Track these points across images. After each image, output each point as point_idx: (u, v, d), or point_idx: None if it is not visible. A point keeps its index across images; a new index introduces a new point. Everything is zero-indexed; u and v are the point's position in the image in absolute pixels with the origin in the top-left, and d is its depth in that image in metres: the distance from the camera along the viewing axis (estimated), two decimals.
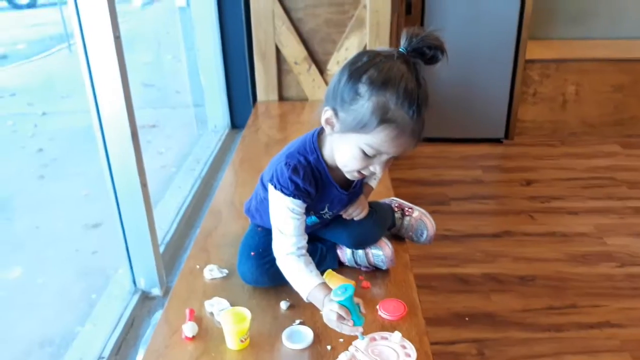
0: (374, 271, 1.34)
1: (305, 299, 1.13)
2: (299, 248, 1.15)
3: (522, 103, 3.51)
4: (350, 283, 1.21)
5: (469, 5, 3.22)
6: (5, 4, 2.51)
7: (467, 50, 3.32)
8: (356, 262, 1.33)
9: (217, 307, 1.20)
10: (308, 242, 1.26)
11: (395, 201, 1.50)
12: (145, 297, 1.46)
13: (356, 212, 1.31)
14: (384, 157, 1.07)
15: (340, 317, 1.04)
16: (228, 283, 1.30)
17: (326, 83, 2.70)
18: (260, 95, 2.67)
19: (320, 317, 1.17)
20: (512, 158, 3.38)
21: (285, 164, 1.14)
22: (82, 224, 2.21)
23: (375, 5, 2.56)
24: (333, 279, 1.25)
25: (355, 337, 1.07)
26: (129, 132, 1.30)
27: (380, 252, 1.31)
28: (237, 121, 2.69)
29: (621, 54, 3.46)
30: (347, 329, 1.05)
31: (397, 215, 1.46)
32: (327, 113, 1.08)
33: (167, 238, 1.68)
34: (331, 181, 1.19)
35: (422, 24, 3.29)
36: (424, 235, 1.44)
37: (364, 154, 1.06)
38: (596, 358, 1.83)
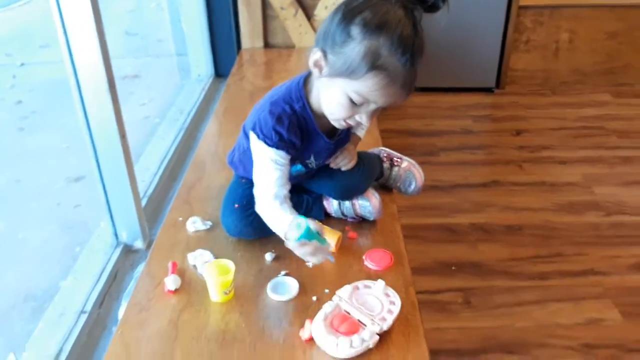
0: (361, 222, 1.32)
1: (284, 238, 1.11)
2: (278, 196, 1.11)
3: (514, 51, 3.44)
4: (334, 234, 1.19)
5: None
6: None
7: None
8: (343, 213, 1.31)
9: (201, 260, 1.18)
10: (294, 193, 1.24)
11: (383, 151, 1.47)
12: (128, 250, 1.44)
13: (344, 162, 1.27)
14: (372, 107, 1.03)
15: (304, 249, 1.04)
16: (212, 235, 1.27)
17: (314, 29, 2.62)
18: (244, 43, 2.59)
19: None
20: (502, 107, 3.34)
21: (269, 112, 1.10)
22: (64, 177, 2.17)
23: None
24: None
25: (339, 287, 1.05)
26: (105, 82, 1.25)
27: (367, 203, 1.29)
28: (221, 69, 2.61)
29: (617, 0, 3.37)
30: (314, 258, 1.05)
31: (386, 165, 1.43)
32: (316, 54, 1.03)
33: (150, 190, 1.65)
34: (317, 130, 1.15)
35: None
36: (412, 186, 1.42)
37: (351, 101, 1.01)
38: (579, 304, 1.86)
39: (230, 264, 1.10)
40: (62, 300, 1.30)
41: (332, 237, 1.20)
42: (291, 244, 1.05)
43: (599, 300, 1.87)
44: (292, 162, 1.16)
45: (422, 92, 3.44)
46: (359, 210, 1.29)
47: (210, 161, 1.52)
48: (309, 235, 1.03)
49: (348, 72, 0.98)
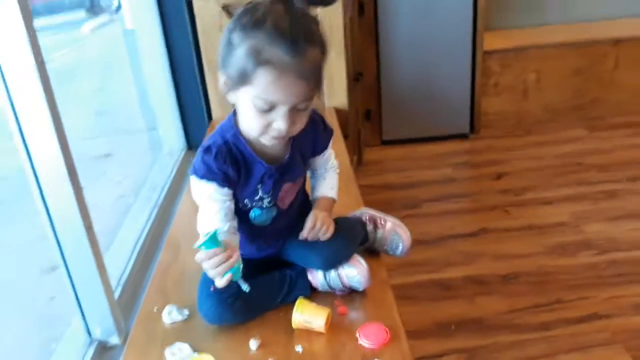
0: (350, 293, 1.22)
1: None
2: (219, 231, 1.07)
3: (484, 95, 3.47)
4: (323, 312, 1.10)
5: (422, 1, 3.16)
6: None
7: (424, 48, 3.26)
8: (330, 286, 1.21)
9: (179, 356, 1.07)
10: (275, 269, 1.18)
11: (365, 213, 1.39)
12: (103, 347, 1.32)
13: (322, 232, 1.19)
14: (282, 109, 0.99)
15: (209, 260, 1.00)
16: (190, 325, 1.17)
17: None
18: (215, 112, 2.54)
19: (296, 353, 1.06)
20: (480, 152, 3.32)
21: (201, 146, 1.09)
22: (37, 268, 2.05)
23: (326, 10, 2.47)
24: (306, 307, 1.13)
25: None
26: (64, 170, 1.17)
27: (355, 272, 1.19)
28: (192, 141, 2.55)
29: (577, 37, 3.45)
30: (214, 274, 1.01)
31: (369, 228, 1.35)
32: (221, 78, 1.03)
33: (125, 277, 1.54)
34: (253, 156, 1.10)
35: (376, 24, 3.22)
36: (399, 248, 1.34)
37: (258, 109, 0.99)
38: (589, 354, 1.76)
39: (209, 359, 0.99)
40: None
41: (320, 316, 1.10)
42: (204, 264, 1.02)
43: (608, 346, 1.78)
44: (242, 202, 1.13)
45: (398, 144, 3.43)
46: (347, 281, 1.20)
47: (185, 241, 1.43)
48: (212, 243, 0.99)
49: (241, 79, 0.97)
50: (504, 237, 2.43)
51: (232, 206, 1.11)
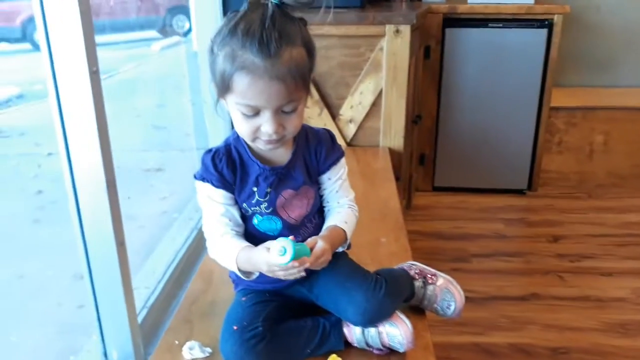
0: (389, 354, 1.11)
1: (237, 272, 1.06)
2: (225, 233, 1.08)
3: (546, 152, 3.31)
4: (287, 242, 0.97)
5: (491, 51, 3.07)
6: (29, 45, 2.61)
7: (488, 97, 3.16)
8: (367, 344, 1.11)
9: None
10: (307, 316, 1.12)
11: (414, 266, 1.29)
12: None
13: (318, 263, 1.02)
14: (266, 114, 0.98)
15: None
16: None
17: (339, 128, 2.53)
18: None
19: None
20: (536, 211, 3.15)
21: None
22: (71, 273, 2.03)
23: (392, 47, 2.41)
24: None
25: None
26: (104, 181, 1.12)
27: (397, 332, 1.08)
28: None
29: None
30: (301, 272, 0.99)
31: (418, 283, 1.24)
32: (213, 88, 1.03)
33: (152, 299, 1.48)
34: (250, 157, 1.09)
35: (441, 68, 3.14)
36: (452, 308, 1.22)
37: (243, 114, 0.99)
38: None
39: None
40: None
41: None
42: (280, 273, 0.99)
43: None
44: (241, 205, 1.10)
45: (451, 192, 3.30)
46: (387, 341, 1.09)
47: (220, 270, 1.36)
48: (299, 252, 0.95)
49: (224, 86, 0.98)
50: (556, 305, 2.25)
51: (235, 212, 1.10)
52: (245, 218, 1.12)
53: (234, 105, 0.99)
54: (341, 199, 1.18)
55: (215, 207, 1.09)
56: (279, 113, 0.99)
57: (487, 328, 2.09)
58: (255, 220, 1.12)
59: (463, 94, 3.15)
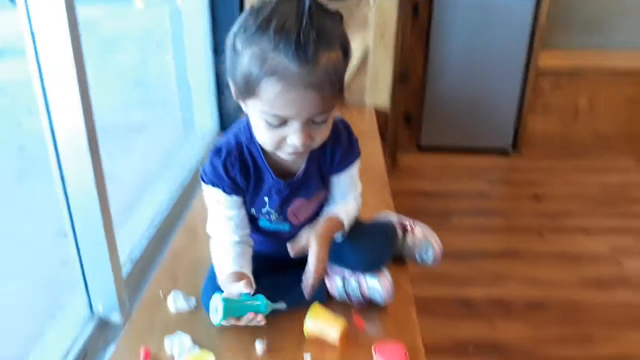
0: (369, 306, 1.14)
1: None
2: (230, 241, 1.05)
3: (531, 113, 3.33)
4: (338, 322, 1.02)
5: (480, 10, 3.04)
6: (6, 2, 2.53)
7: (476, 57, 3.14)
8: (347, 295, 1.13)
9: (179, 347, 1.00)
10: (291, 270, 1.09)
11: (391, 217, 1.31)
12: (103, 324, 1.27)
13: (317, 274, 1.03)
14: (295, 125, 0.88)
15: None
16: (195, 317, 1.10)
17: None
18: None
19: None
20: (519, 171, 3.19)
21: (214, 146, 1.01)
22: (53, 229, 2.03)
23: (380, 4, 2.37)
24: (320, 315, 1.05)
25: None
26: (85, 138, 1.11)
27: (378, 284, 1.11)
28: (226, 125, 2.50)
29: (637, 65, 3.27)
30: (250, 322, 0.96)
31: (398, 233, 1.26)
32: (231, 86, 0.92)
33: (136, 255, 1.49)
34: (265, 165, 1.01)
35: (429, 27, 3.11)
36: (430, 255, 1.24)
37: (268, 123, 0.88)
38: None
39: (210, 358, 0.92)
40: None
41: (335, 326, 1.02)
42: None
43: None
44: (249, 210, 1.07)
45: (435, 152, 3.32)
46: (367, 293, 1.11)
47: (203, 227, 1.38)
48: (232, 312, 0.92)
49: (247, 90, 0.86)
50: (535, 261, 2.31)
51: (244, 214, 1.06)
52: (253, 217, 1.10)
53: (257, 112, 0.89)
54: (348, 194, 1.13)
55: (223, 211, 1.03)
56: (309, 124, 0.88)
57: (466, 283, 2.15)
58: (261, 223, 1.11)
59: (450, 54, 3.14)
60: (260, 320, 0.95)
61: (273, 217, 1.08)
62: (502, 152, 3.35)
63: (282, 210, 1.07)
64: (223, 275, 1.01)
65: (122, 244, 1.38)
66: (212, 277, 1.07)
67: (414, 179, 3.04)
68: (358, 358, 1.00)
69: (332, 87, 0.85)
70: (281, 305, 0.98)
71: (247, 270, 1.03)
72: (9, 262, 1.78)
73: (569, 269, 2.25)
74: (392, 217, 1.31)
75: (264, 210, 1.06)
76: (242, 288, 0.95)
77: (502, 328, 1.92)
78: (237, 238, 1.05)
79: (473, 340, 1.86)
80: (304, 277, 1.04)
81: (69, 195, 1.17)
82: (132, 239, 1.56)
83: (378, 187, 1.69)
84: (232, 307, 0.90)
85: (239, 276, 0.99)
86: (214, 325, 1.05)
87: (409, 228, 1.27)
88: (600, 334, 1.89)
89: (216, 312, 0.90)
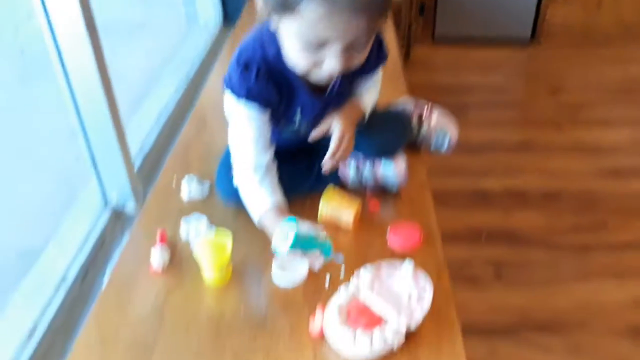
0: (384, 192, 1.12)
1: (257, 225, 0.95)
2: (258, 166, 0.95)
3: (552, 2, 3.14)
4: (352, 205, 1.00)
5: None
6: None
7: None
8: (360, 182, 1.11)
9: (195, 227, 1.00)
10: (302, 154, 1.07)
11: (409, 103, 1.26)
12: (118, 214, 1.27)
13: (341, 150, 1.01)
14: (335, 47, 0.81)
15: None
16: (209, 201, 1.09)
17: None
18: None
19: None
20: (538, 62, 3.06)
21: (237, 59, 0.91)
22: (69, 130, 2.01)
23: None
24: (335, 197, 1.04)
25: (357, 269, 0.87)
26: (85, 32, 1.05)
27: (391, 169, 1.08)
28: (230, 16, 2.38)
29: None
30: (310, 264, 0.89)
31: (414, 119, 1.22)
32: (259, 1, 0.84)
33: (147, 147, 1.47)
34: (298, 81, 0.94)
35: None
36: (446, 143, 1.21)
37: (305, 45, 0.81)
38: (625, 282, 1.66)
39: (227, 239, 0.92)
40: (40, 270, 1.14)
41: (349, 208, 1.01)
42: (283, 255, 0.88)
43: None
44: (277, 123, 0.99)
45: (450, 44, 3.18)
46: (380, 178, 1.09)
47: (212, 116, 1.33)
48: (300, 243, 0.85)
49: (284, 7, 0.79)
50: (552, 153, 2.26)
51: (269, 133, 0.98)
52: (274, 127, 1.01)
53: (293, 32, 0.82)
54: (371, 88, 1.09)
55: (251, 131, 0.94)
56: (350, 48, 0.82)
57: (481, 174, 2.12)
58: (284, 134, 1.05)
59: None
60: (319, 263, 0.90)
61: (302, 128, 1.03)
62: (520, 43, 3.20)
63: (313, 123, 1.03)
64: (264, 208, 0.94)
65: (132, 137, 1.36)
66: (226, 160, 1.04)
67: (429, 71, 2.94)
68: (372, 241, 0.99)
69: (379, 11, 0.80)
70: (338, 257, 0.92)
71: (285, 203, 0.97)
72: (25, 161, 1.77)
73: (587, 160, 2.21)
74: (409, 103, 1.26)
75: (293, 127, 1.02)
76: (317, 228, 0.89)
77: (517, 217, 1.92)
78: (266, 159, 0.96)
79: (487, 229, 1.86)
80: (327, 154, 1.01)
81: (75, 93, 1.13)
82: (142, 132, 1.53)
83: (391, 76, 1.62)
84: (302, 240, 0.85)
85: (283, 211, 0.94)
86: (229, 211, 1.05)
87: (425, 115, 1.23)
88: (615, 222, 1.88)
89: (286, 238, 0.85)
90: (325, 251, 0.88)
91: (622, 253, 1.76)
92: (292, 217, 0.89)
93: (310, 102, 0.98)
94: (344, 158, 1.02)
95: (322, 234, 0.88)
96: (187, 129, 1.36)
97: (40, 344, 0.97)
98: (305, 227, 0.86)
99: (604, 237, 1.83)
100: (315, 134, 1.03)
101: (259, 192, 0.94)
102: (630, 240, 1.81)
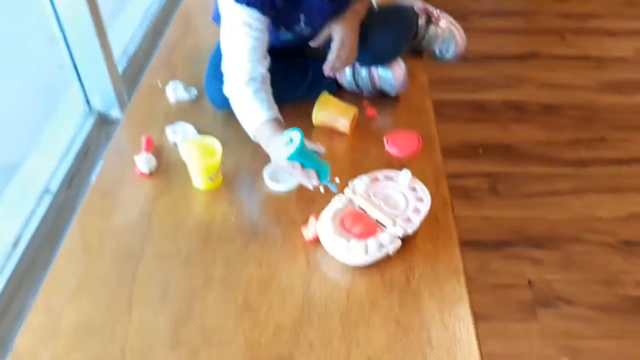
0: (382, 97, 1.06)
1: (252, 138, 0.89)
2: (252, 78, 0.87)
3: None
4: (348, 111, 0.95)
5: None
6: None
7: None
8: (357, 85, 1.05)
9: (182, 135, 0.95)
10: (296, 56, 1.01)
11: (418, 3, 1.17)
12: (102, 119, 1.21)
13: (343, 59, 0.95)
14: None
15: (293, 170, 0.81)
16: (197, 107, 1.04)
17: None
18: None
19: None
20: None
21: None
22: (45, 36, 1.90)
23: None
24: (330, 103, 0.98)
25: (353, 176, 0.83)
26: None
27: (389, 74, 1.02)
28: None
29: None
30: (306, 180, 0.81)
31: (421, 22, 1.14)
32: None
33: (131, 50, 1.38)
34: None
35: None
36: (451, 50, 1.14)
37: None
38: (621, 197, 1.65)
39: (215, 144, 0.87)
40: (23, 180, 1.09)
41: (345, 115, 0.96)
42: (281, 162, 0.81)
43: None
44: (277, 27, 0.92)
45: None
46: (378, 83, 1.03)
47: (199, 17, 1.24)
48: (302, 154, 0.79)
49: None
50: (555, 64, 2.18)
51: (266, 41, 0.89)
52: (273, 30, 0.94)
53: None
54: None
55: (248, 39, 0.86)
56: None
57: (481, 86, 2.05)
58: (282, 36, 0.96)
59: None
60: (314, 183, 0.83)
61: (305, 32, 0.96)
62: None
63: (319, 27, 0.95)
64: (257, 124, 0.88)
65: (115, 41, 1.27)
66: (214, 64, 0.97)
67: None
68: (369, 149, 0.95)
69: None
70: (333, 186, 0.85)
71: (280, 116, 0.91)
72: (3, 67, 1.69)
73: (590, 72, 2.14)
74: (417, 2, 1.17)
75: (297, 27, 0.94)
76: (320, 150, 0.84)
77: (515, 131, 1.87)
78: (261, 71, 0.89)
79: (483, 143, 1.82)
80: (326, 63, 0.95)
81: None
82: (126, 34, 1.43)
83: None
84: (305, 151, 0.80)
85: (280, 124, 0.88)
86: (218, 117, 0.99)
87: (434, 16, 1.14)
88: (613, 137, 1.84)
89: (290, 143, 0.79)
90: (322, 174, 0.83)
91: (620, 168, 1.73)
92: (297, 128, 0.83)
93: (318, 6, 0.91)
94: (343, 68, 0.96)
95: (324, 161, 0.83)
96: (171, 31, 1.28)
97: (24, 254, 0.94)
98: (309, 143, 0.81)
99: (602, 152, 1.80)
100: (315, 42, 0.96)
101: (253, 104, 0.87)
102: (627, 157, 1.78)
